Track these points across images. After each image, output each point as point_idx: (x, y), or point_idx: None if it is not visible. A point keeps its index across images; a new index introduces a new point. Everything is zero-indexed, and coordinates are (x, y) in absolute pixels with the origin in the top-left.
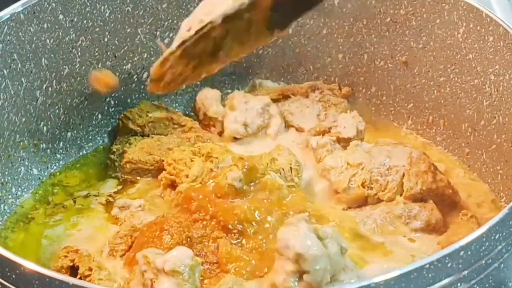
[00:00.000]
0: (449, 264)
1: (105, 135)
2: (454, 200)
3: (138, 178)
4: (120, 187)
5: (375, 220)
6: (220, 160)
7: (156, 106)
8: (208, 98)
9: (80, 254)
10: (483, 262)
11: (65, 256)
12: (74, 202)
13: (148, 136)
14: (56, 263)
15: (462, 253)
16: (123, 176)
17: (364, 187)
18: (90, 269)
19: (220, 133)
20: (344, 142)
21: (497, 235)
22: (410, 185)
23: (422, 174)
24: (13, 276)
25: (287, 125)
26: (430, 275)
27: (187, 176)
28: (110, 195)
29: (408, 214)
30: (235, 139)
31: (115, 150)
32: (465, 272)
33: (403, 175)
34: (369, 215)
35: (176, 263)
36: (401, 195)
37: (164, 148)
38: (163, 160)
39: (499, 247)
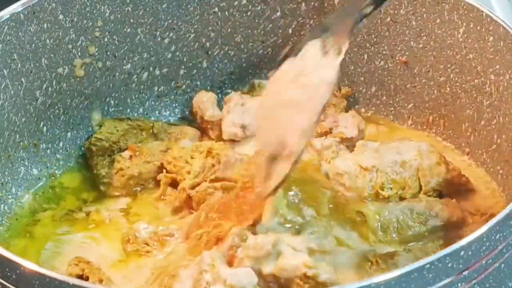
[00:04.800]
0: (449, 264)
1: None
2: (468, 188)
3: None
4: (129, 199)
5: (397, 217)
6: (222, 155)
7: (119, 120)
8: (204, 101)
9: (91, 265)
10: (483, 262)
11: (76, 265)
12: (87, 215)
13: (125, 149)
14: (63, 268)
15: (462, 253)
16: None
17: (383, 190)
18: (101, 281)
19: (218, 136)
20: (347, 142)
21: (497, 235)
22: (426, 180)
23: (435, 166)
24: (13, 276)
25: None
26: (430, 275)
27: (188, 172)
28: (121, 210)
29: (430, 211)
30: (233, 141)
31: (104, 174)
32: (465, 272)
33: (417, 169)
34: (390, 212)
35: (240, 281)
36: (420, 190)
37: (157, 152)
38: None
39: (499, 247)
